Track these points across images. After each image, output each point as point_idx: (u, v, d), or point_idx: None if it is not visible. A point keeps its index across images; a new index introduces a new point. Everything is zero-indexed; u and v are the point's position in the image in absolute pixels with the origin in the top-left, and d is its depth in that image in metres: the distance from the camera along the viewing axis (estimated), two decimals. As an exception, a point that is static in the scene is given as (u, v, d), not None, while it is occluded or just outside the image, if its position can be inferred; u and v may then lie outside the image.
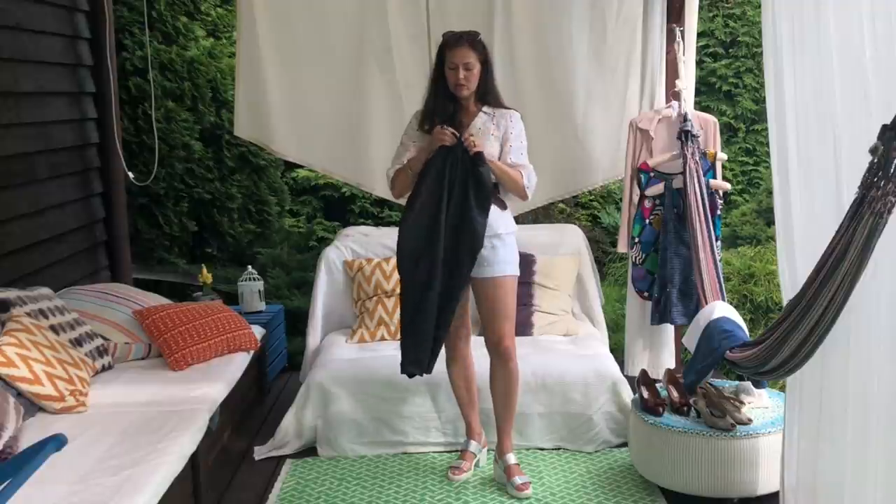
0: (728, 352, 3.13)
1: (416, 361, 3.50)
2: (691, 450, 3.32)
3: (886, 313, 2.24)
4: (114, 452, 2.83)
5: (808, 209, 2.48)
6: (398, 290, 4.42)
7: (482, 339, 3.64)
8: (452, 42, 3.47)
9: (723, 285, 3.86)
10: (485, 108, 3.56)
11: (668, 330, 4.40)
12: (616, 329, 5.37)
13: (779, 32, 2.52)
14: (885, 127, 2.07)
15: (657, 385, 3.72)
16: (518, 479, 3.56)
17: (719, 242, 4.11)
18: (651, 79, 4.57)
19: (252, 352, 4.16)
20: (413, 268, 3.47)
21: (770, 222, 6.44)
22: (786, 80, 2.50)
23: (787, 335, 2.50)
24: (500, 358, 3.59)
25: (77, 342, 3.60)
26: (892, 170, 2.08)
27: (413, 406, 3.97)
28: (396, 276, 4.44)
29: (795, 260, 2.54)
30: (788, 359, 2.53)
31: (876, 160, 2.10)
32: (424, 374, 3.56)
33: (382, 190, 4.94)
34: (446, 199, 3.42)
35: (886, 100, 2.13)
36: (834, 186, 2.34)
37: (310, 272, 5.42)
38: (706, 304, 3.68)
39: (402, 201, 4.55)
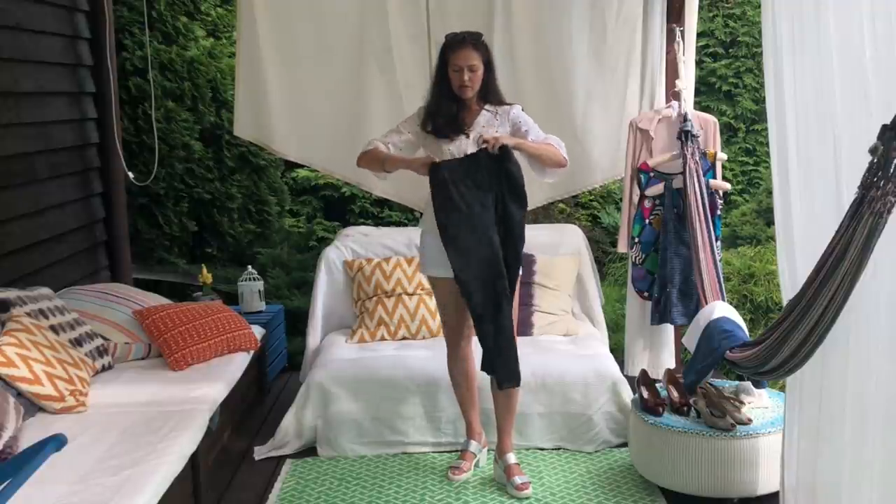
0: (728, 352, 3.13)
1: (512, 374, 3.50)
2: (691, 450, 3.32)
3: (886, 313, 2.24)
4: (114, 452, 2.83)
5: (808, 209, 2.48)
6: (398, 291, 4.45)
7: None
8: (455, 44, 3.47)
9: (723, 285, 3.86)
10: (487, 107, 3.57)
11: (668, 330, 4.40)
12: (616, 329, 5.37)
13: (779, 32, 2.52)
14: (885, 127, 2.07)
15: (657, 385, 3.72)
16: (518, 479, 3.56)
17: (719, 242, 4.11)
18: (651, 79, 4.57)
19: (252, 352, 4.16)
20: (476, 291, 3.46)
21: (770, 222, 6.44)
22: (786, 80, 2.50)
23: (787, 335, 2.50)
24: (502, 357, 3.58)
25: (77, 342, 3.60)
26: (891, 170, 2.09)
27: (413, 406, 3.97)
28: (396, 275, 4.47)
29: (795, 260, 2.54)
30: (788, 359, 2.53)
31: (876, 160, 2.10)
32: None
33: (382, 190, 4.95)
34: (478, 221, 3.41)
35: (886, 100, 2.13)
36: (834, 186, 2.34)
37: (310, 272, 5.42)
38: (706, 304, 3.68)
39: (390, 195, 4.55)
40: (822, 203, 2.40)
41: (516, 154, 3.47)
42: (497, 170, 3.41)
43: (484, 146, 3.39)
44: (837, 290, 2.27)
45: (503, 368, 3.47)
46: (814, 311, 2.35)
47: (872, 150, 2.10)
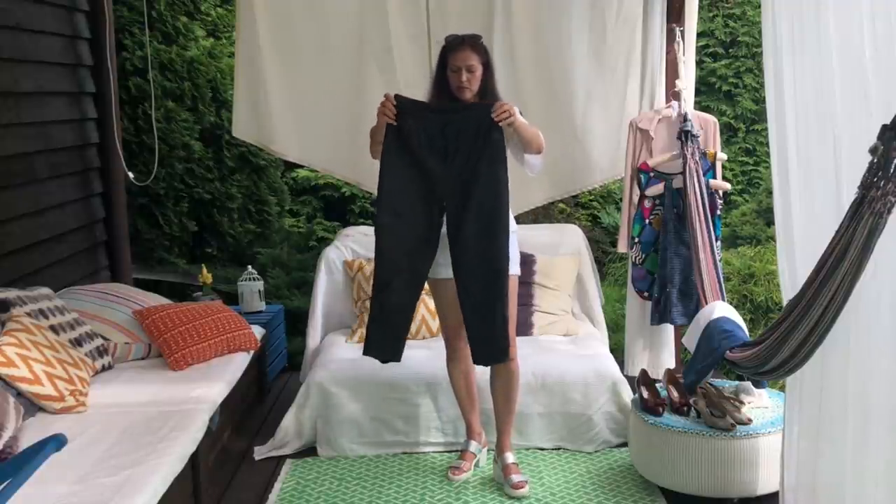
0: (728, 352, 3.13)
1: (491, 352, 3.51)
2: (691, 450, 3.32)
3: (886, 313, 2.24)
4: (114, 452, 2.83)
5: (808, 209, 2.48)
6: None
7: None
8: (454, 45, 3.48)
9: (723, 285, 3.86)
10: None
11: (668, 330, 4.40)
12: (616, 329, 5.37)
13: (779, 32, 2.52)
14: (885, 127, 2.08)
15: (657, 385, 3.72)
16: (514, 478, 3.56)
17: (719, 242, 4.11)
18: (651, 79, 4.57)
19: (252, 352, 4.16)
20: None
21: (770, 222, 6.44)
22: (786, 80, 2.50)
23: (787, 335, 2.50)
24: (501, 357, 3.58)
25: (77, 342, 3.60)
26: (892, 170, 2.09)
27: (413, 406, 3.97)
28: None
29: (795, 260, 2.54)
30: (788, 359, 2.53)
31: (876, 160, 2.11)
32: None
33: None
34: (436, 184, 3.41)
35: (886, 100, 2.13)
36: (834, 186, 2.35)
37: (310, 272, 5.42)
38: (706, 304, 3.68)
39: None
40: (822, 203, 2.40)
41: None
42: (480, 136, 3.37)
43: (491, 109, 3.36)
44: (837, 290, 2.27)
45: (476, 344, 3.47)
46: (814, 312, 2.35)
47: (872, 150, 2.10)
